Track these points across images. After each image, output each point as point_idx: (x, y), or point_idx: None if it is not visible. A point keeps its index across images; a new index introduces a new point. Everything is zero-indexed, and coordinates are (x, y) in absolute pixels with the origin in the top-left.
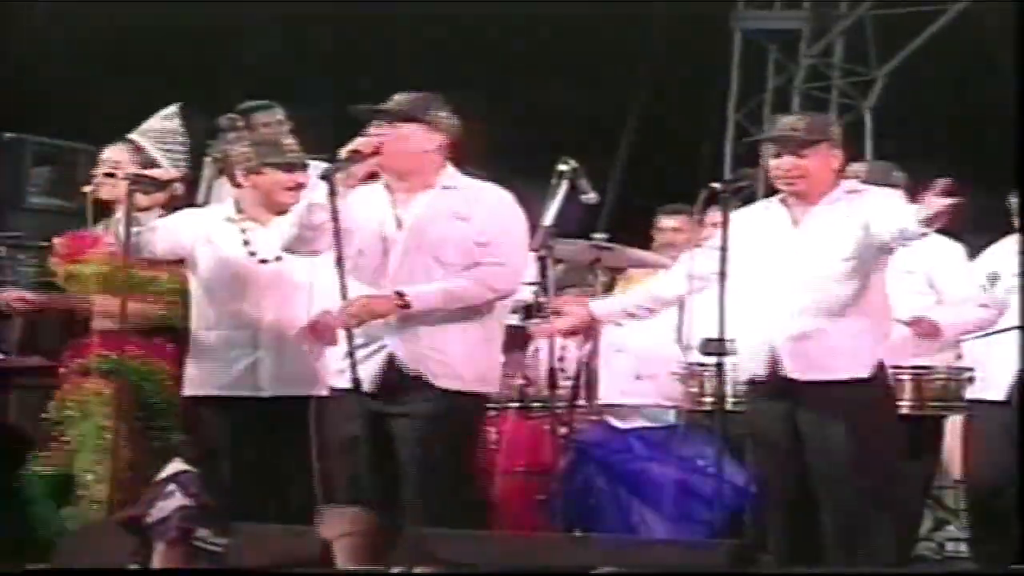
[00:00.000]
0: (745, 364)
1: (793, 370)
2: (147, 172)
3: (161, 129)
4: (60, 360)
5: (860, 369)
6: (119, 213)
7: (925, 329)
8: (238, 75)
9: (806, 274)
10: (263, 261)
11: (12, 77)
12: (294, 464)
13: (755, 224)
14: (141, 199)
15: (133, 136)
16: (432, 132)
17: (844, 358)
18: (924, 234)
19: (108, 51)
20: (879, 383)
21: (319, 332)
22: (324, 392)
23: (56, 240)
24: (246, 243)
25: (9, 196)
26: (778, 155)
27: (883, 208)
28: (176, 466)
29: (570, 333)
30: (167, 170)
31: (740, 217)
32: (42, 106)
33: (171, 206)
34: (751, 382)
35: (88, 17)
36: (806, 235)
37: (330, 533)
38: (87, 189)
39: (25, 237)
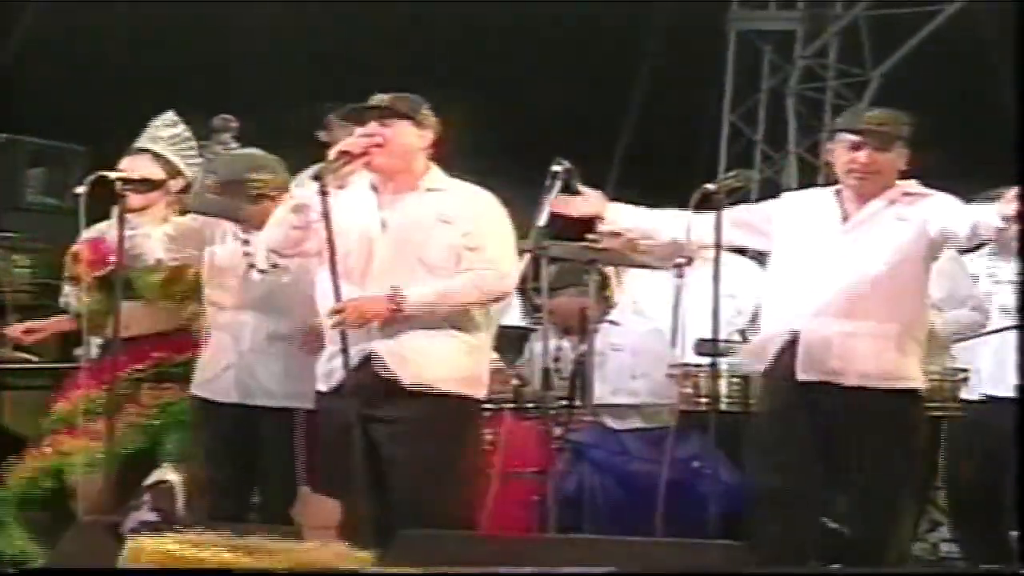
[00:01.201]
0: (764, 355)
1: (813, 370)
2: (141, 174)
3: (171, 136)
4: (101, 365)
5: (883, 378)
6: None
7: None
8: (236, 75)
9: (848, 273)
10: (262, 271)
11: (8, 77)
12: (269, 468)
13: (805, 212)
14: (135, 200)
15: (149, 146)
16: (423, 130)
17: (869, 364)
18: (1002, 230)
19: (105, 52)
20: (905, 394)
21: (309, 343)
22: (301, 404)
23: (77, 247)
24: (246, 254)
25: (5, 196)
26: (856, 148)
27: (949, 206)
28: (158, 474)
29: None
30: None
31: (791, 201)
32: (38, 107)
33: (171, 208)
34: (769, 374)
35: (87, 17)
36: (855, 233)
37: (309, 520)
38: (80, 190)
39: (21, 238)
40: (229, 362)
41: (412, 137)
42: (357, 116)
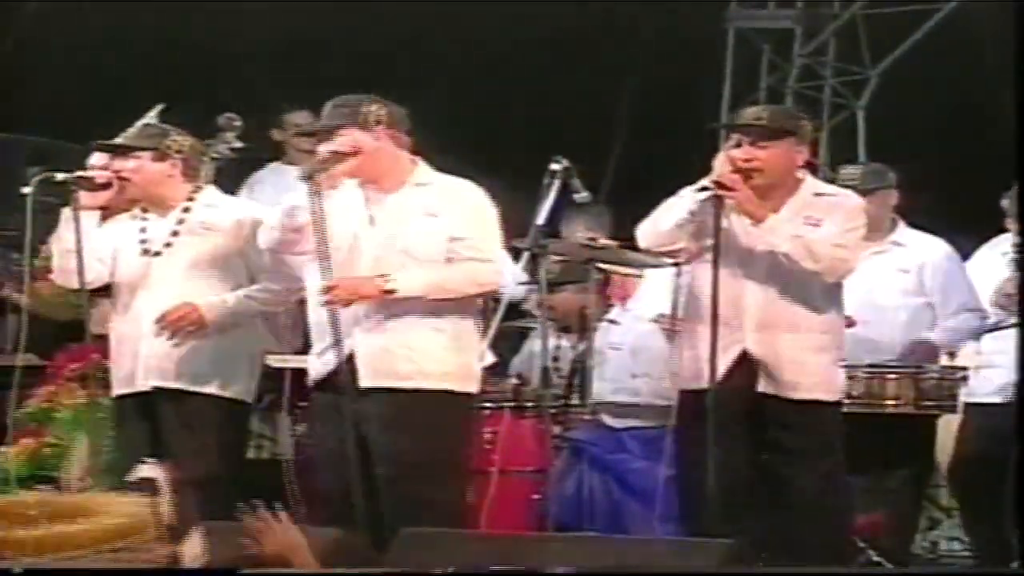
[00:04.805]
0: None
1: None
2: (87, 173)
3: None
4: (52, 359)
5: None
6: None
7: (922, 354)
8: (236, 74)
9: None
10: (156, 254)
11: (7, 77)
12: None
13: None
14: (83, 198)
15: (118, 141)
16: (395, 130)
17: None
18: None
19: (104, 51)
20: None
21: (176, 320)
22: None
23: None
24: (142, 241)
25: (4, 195)
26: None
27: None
28: (142, 471)
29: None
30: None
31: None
32: (38, 106)
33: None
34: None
35: (86, 17)
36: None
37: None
38: (27, 190)
39: (20, 236)
40: (131, 353)
41: (384, 140)
42: (326, 136)
